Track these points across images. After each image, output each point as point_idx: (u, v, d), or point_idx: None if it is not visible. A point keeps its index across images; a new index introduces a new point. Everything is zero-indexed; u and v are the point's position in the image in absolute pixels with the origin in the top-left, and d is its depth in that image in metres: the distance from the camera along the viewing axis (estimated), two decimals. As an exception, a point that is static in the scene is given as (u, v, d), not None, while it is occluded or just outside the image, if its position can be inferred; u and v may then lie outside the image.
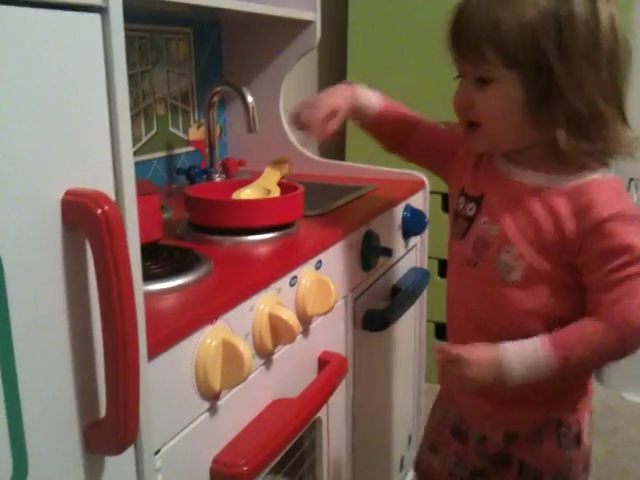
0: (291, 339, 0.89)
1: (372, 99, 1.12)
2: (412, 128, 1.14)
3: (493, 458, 1.04)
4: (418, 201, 1.54)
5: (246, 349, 0.77)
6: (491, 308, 0.96)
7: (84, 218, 0.54)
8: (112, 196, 0.58)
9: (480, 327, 0.98)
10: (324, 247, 1.07)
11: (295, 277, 0.97)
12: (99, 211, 0.53)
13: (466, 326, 1.01)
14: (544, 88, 0.85)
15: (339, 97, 1.07)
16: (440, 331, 2.28)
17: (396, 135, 1.14)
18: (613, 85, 0.87)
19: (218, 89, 1.45)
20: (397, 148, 1.16)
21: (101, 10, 0.56)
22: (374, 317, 1.26)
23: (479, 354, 0.88)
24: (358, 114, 1.10)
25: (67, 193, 0.54)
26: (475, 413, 1.05)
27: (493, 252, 0.93)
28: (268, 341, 0.88)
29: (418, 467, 1.18)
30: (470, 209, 0.98)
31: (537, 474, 1.00)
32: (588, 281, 0.89)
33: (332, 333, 1.13)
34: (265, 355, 0.90)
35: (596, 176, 0.89)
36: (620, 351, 0.87)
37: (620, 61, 0.87)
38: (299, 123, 1.05)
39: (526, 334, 0.89)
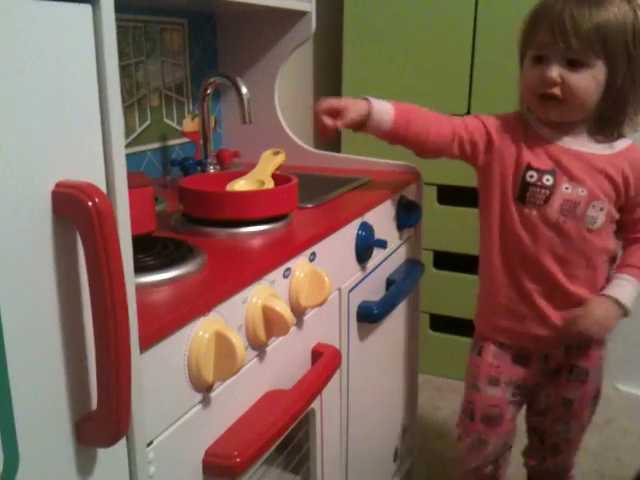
0: (284, 331, 0.89)
1: (386, 113, 1.22)
2: (432, 133, 1.24)
3: (552, 371, 1.31)
4: (413, 193, 1.54)
5: (239, 341, 0.77)
6: (573, 252, 1.20)
7: (75, 210, 0.54)
8: (103, 188, 0.58)
9: (563, 269, 1.21)
10: (318, 239, 1.07)
11: (289, 269, 0.97)
12: (90, 203, 0.53)
13: (546, 273, 1.22)
14: (622, 74, 1.11)
15: (350, 101, 1.21)
16: (435, 323, 2.28)
17: (418, 141, 1.25)
18: None
19: (212, 80, 1.44)
20: (424, 152, 1.28)
21: (92, 1, 0.56)
22: (368, 309, 1.26)
23: (602, 309, 1.19)
24: (372, 129, 1.23)
25: (58, 185, 0.54)
26: (543, 341, 1.27)
27: (582, 209, 1.18)
28: (261, 333, 0.88)
29: (473, 409, 1.33)
30: (547, 179, 1.19)
31: (585, 372, 1.29)
32: (636, 215, 1.22)
33: (326, 325, 1.13)
34: (258, 347, 0.90)
35: (625, 142, 1.20)
36: None
37: None
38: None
39: (595, 265, 1.21)
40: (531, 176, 1.20)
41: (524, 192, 1.20)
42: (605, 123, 1.18)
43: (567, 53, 1.10)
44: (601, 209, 1.18)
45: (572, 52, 1.09)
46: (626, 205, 1.21)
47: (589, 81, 1.11)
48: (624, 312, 1.20)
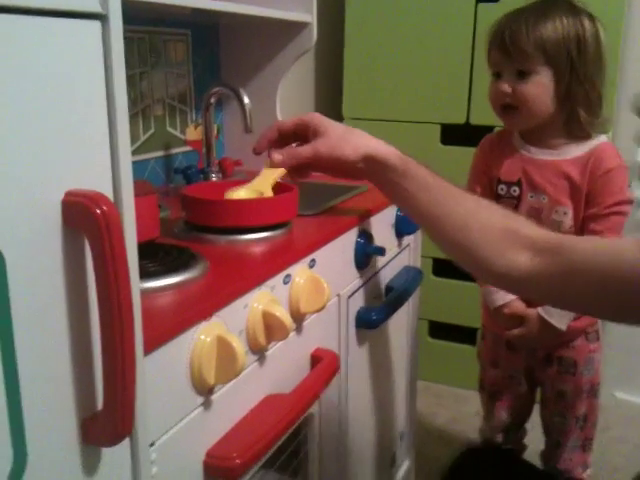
0: (284, 336, 0.91)
1: None
2: None
3: (541, 359, 1.44)
4: (412, 201, 1.56)
5: (239, 345, 0.79)
6: None
7: (84, 218, 0.55)
8: (111, 197, 0.60)
9: None
10: (318, 246, 1.09)
11: (289, 275, 0.99)
12: (98, 211, 0.55)
13: None
14: (568, 80, 1.23)
15: None
16: (434, 329, 2.30)
17: None
18: (604, 80, 1.28)
19: (215, 90, 1.47)
20: None
21: (101, 17, 0.58)
22: (367, 315, 1.28)
23: (538, 328, 1.31)
24: None
25: (67, 194, 0.56)
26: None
27: (546, 215, 1.30)
28: (262, 338, 0.90)
29: (483, 384, 1.57)
30: (514, 190, 1.33)
31: (573, 363, 1.41)
32: (589, 213, 1.27)
33: (325, 331, 1.15)
34: (258, 351, 0.92)
35: (598, 141, 1.29)
36: None
37: (605, 65, 1.28)
38: None
39: None
40: (501, 189, 1.35)
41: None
42: (569, 125, 1.29)
43: (515, 66, 1.25)
44: (565, 213, 1.28)
45: (518, 64, 1.25)
46: (585, 202, 1.28)
47: (537, 87, 1.24)
48: (551, 328, 1.31)
